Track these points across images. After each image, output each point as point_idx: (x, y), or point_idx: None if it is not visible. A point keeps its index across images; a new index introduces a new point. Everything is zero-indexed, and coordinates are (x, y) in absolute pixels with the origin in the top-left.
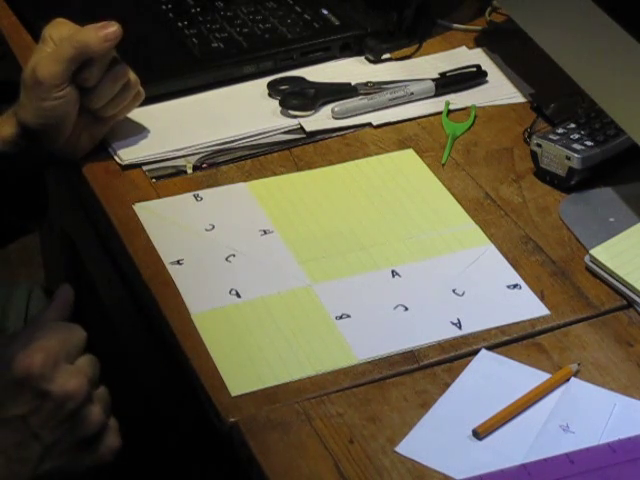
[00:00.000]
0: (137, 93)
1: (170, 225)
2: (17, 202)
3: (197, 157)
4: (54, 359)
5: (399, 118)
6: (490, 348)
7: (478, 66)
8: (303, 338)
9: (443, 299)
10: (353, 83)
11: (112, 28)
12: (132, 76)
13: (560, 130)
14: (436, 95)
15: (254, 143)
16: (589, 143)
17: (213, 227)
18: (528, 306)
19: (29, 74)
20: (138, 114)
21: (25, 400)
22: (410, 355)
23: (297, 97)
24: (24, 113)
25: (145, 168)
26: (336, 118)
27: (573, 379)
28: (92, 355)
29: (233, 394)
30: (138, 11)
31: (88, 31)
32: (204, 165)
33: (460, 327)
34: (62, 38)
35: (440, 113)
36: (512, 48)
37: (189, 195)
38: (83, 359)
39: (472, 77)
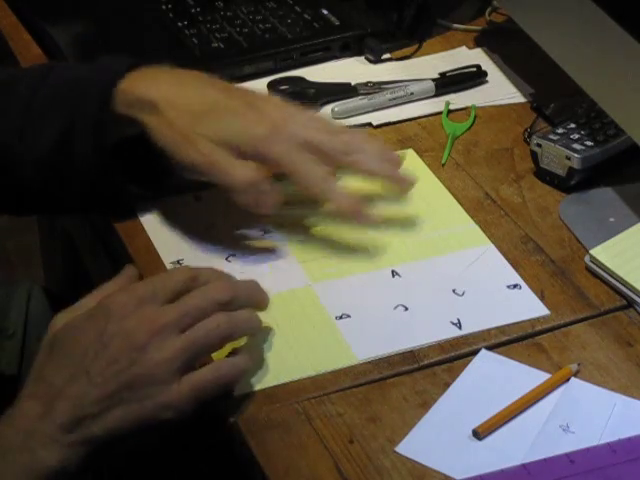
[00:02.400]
0: None
1: (170, 225)
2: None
3: None
4: (137, 299)
5: (399, 118)
6: (490, 348)
7: (478, 66)
8: (303, 338)
9: (443, 299)
10: (353, 83)
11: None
12: None
13: (560, 130)
14: (436, 95)
15: None
16: (589, 143)
17: (213, 227)
18: (528, 306)
19: None
20: None
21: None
22: (410, 355)
23: (297, 97)
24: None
25: None
26: (336, 118)
27: (573, 379)
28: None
29: (233, 394)
30: (138, 11)
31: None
32: None
33: (460, 327)
34: None
35: (440, 113)
36: (512, 48)
37: (189, 195)
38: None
39: (472, 77)
